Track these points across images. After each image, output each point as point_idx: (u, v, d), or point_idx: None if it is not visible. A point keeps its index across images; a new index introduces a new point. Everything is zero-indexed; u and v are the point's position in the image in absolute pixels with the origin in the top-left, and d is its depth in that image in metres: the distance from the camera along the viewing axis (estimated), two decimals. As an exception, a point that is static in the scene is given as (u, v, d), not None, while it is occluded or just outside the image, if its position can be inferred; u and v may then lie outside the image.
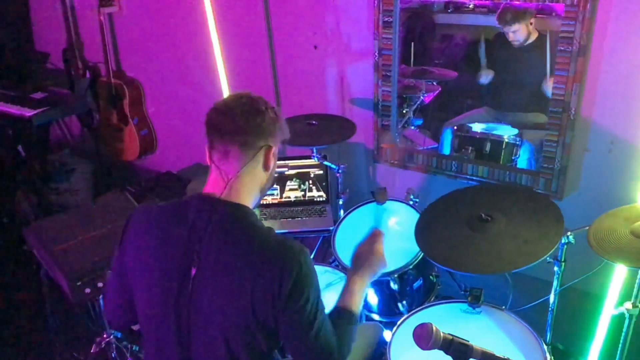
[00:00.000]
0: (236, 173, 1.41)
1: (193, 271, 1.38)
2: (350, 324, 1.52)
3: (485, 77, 2.89)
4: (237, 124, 1.39)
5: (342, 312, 1.53)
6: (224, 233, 1.38)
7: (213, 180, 1.44)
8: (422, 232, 2.00)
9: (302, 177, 2.91)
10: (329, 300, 2.00)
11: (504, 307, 1.94)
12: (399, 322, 1.93)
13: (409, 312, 2.02)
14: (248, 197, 1.45)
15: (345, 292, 1.59)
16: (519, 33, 2.63)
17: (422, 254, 2.15)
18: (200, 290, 1.38)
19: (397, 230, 2.37)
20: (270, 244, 1.38)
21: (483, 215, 1.91)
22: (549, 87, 2.45)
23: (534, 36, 2.66)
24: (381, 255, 1.70)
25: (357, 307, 1.56)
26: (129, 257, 1.47)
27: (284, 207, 2.90)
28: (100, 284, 2.13)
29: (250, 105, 1.41)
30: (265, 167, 1.46)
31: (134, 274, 1.46)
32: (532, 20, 2.61)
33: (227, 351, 1.39)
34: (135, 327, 1.63)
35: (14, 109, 3.39)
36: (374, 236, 1.75)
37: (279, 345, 1.46)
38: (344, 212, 2.54)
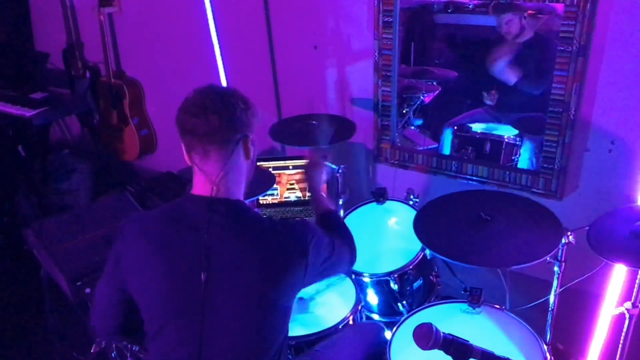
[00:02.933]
0: (220, 172, 1.41)
1: (203, 277, 1.37)
2: (337, 218, 1.80)
3: (492, 98, 2.90)
4: (212, 124, 1.38)
5: (326, 215, 1.78)
6: (228, 232, 1.39)
7: (199, 182, 1.43)
8: (422, 224, 1.99)
9: (302, 177, 2.91)
10: (330, 300, 2.01)
11: (504, 307, 1.93)
12: (399, 322, 1.93)
13: (409, 312, 2.02)
14: (237, 190, 1.46)
15: (316, 204, 1.86)
16: (512, 24, 2.62)
17: (422, 254, 2.15)
18: (214, 293, 1.37)
19: (397, 230, 2.37)
20: (279, 232, 1.44)
21: (483, 215, 1.90)
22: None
23: (528, 34, 2.65)
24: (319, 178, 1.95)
25: (330, 206, 1.84)
26: (128, 265, 1.45)
27: (284, 207, 2.90)
28: (100, 284, 2.13)
29: (220, 101, 1.40)
30: (247, 156, 1.46)
31: (136, 281, 1.45)
32: (526, 14, 2.60)
33: (243, 348, 1.40)
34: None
35: (14, 109, 3.39)
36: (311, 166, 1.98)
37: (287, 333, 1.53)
38: (344, 212, 2.54)
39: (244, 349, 1.40)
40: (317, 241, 1.49)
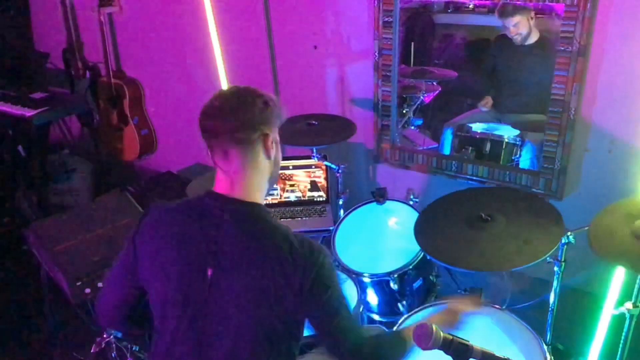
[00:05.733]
0: (239, 171, 1.42)
1: (209, 272, 1.39)
2: (396, 343, 1.52)
3: (485, 104, 2.91)
4: (228, 124, 1.38)
5: (397, 334, 1.60)
6: (240, 232, 1.40)
7: (220, 180, 1.45)
8: (422, 230, 2.00)
9: (302, 177, 2.91)
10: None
11: (504, 307, 1.93)
12: (399, 322, 1.93)
13: (409, 312, 2.02)
14: (257, 192, 1.46)
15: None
16: (521, 26, 2.63)
17: (422, 254, 2.15)
18: (219, 290, 1.39)
19: (397, 230, 2.37)
20: (291, 242, 1.40)
21: (483, 215, 1.90)
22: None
23: (535, 36, 2.66)
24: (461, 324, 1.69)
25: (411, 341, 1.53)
26: (143, 254, 1.46)
27: (284, 207, 2.90)
28: (100, 284, 2.13)
29: (237, 101, 1.40)
30: (267, 155, 1.45)
31: (149, 270, 1.46)
32: (532, 15, 2.61)
33: (245, 344, 1.39)
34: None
35: (14, 109, 3.39)
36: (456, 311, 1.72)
37: (299, 338, 1.48)
38: (344, 212, 2.54)
39: (243, 350, 1.40)
40: (325, 275, 1.38)
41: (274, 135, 1.46)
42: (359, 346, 1.45)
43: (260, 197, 1.47)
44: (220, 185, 1.45)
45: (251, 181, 1.44)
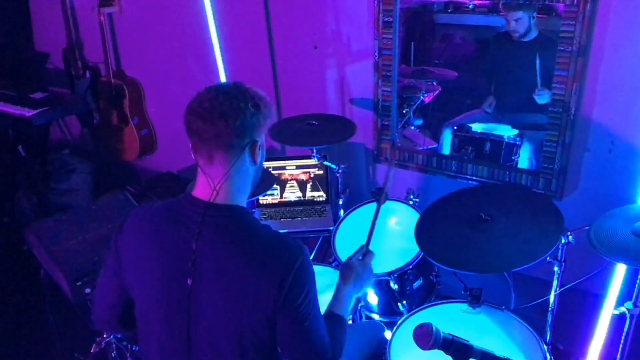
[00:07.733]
0: (223, 176, 1.37)
1: (189, 281, 1.36)
2: (340, 326, 1.55)
3: (489, 105, 2.91)
4: (217, 129, 1.31)
5: (331, 316, 1.58)
6: (218, 237, 1.37)
7: (201, 184, 1.40)
8: (422, 232, 2.00)
9: (302, 177, 2.91)
10: (329, 300, 2.00)
11: (504, 307, 1.93)
12: (399, 322, 1.93)
13: (409, 312, 2.02)
14: (239, 196, 1.42)
15: (334, 299, 1.66)
16: (521, 22, 2.63)
17: (422, 254, 2.15)
18: (199, 299, 1.37)
19: (397, 230, 2.37)
20: (269, 242, 1.37)
21: (483, 215, 1.90)
22: (540, 95, 2.51)
23: (533, 34, 2.66)
24: (369, 268, 1.75)
25: (345, 312, 1.62)
26: (126, 259, 1.45)
27: (284, 207, 2.90)
28: (98, 285, 2.13)
29: (228, 104, 1.32)
30: (253, 161, 1.40)
31: (132, 276, 1.44)
32: (535, 15, 2.61)
33: (231, 353, 1.38)
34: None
35: (14, 109, 3.39)
36: (363, 251, 1.80)
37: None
38: (344, 212, 2.54)
39: (230, 357, 1.39)
40: (302, 276, 1.35)
41: (262, 141, 1.42)
42: (322, 352, 1.43)
43: (243, 200, 1.43)
44: (201, 189, 1.39)
45: (234, 186, 1.39)
